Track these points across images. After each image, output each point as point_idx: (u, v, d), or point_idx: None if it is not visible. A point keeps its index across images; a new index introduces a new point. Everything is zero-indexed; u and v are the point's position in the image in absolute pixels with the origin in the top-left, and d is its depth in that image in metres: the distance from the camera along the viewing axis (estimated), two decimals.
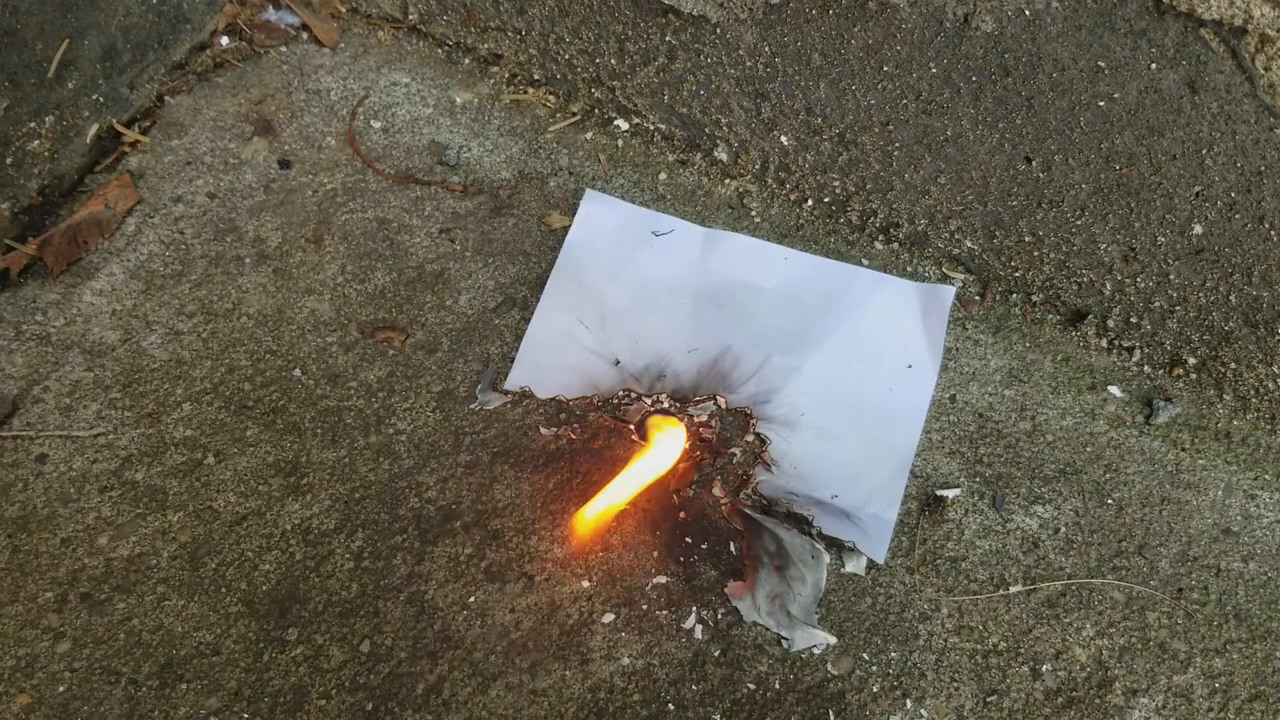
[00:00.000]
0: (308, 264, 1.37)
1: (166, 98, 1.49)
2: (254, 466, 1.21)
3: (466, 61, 1.57)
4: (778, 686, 1.11)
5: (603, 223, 1.41)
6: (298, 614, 1.13)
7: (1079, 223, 1.28)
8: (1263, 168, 1.13)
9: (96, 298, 1.31)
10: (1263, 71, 1.06)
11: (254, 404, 1.26)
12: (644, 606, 1.15)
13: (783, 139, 1.40)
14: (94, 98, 1.41)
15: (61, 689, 1.07)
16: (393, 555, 1.17)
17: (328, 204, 1.42)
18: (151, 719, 1.06)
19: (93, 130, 1.41)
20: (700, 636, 1.13)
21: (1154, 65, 1.11)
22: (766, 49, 1.31)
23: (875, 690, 1.12)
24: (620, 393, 1.29)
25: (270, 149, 1.46)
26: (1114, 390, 1.32)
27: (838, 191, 1.42)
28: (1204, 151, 1.15)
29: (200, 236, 1.37)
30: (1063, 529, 1.22)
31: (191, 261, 1.35)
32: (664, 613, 1.15)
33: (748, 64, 1.34)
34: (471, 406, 1.27)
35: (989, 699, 1.12)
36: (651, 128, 1.50)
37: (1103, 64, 1.13)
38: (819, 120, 1.35)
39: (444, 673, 1.10)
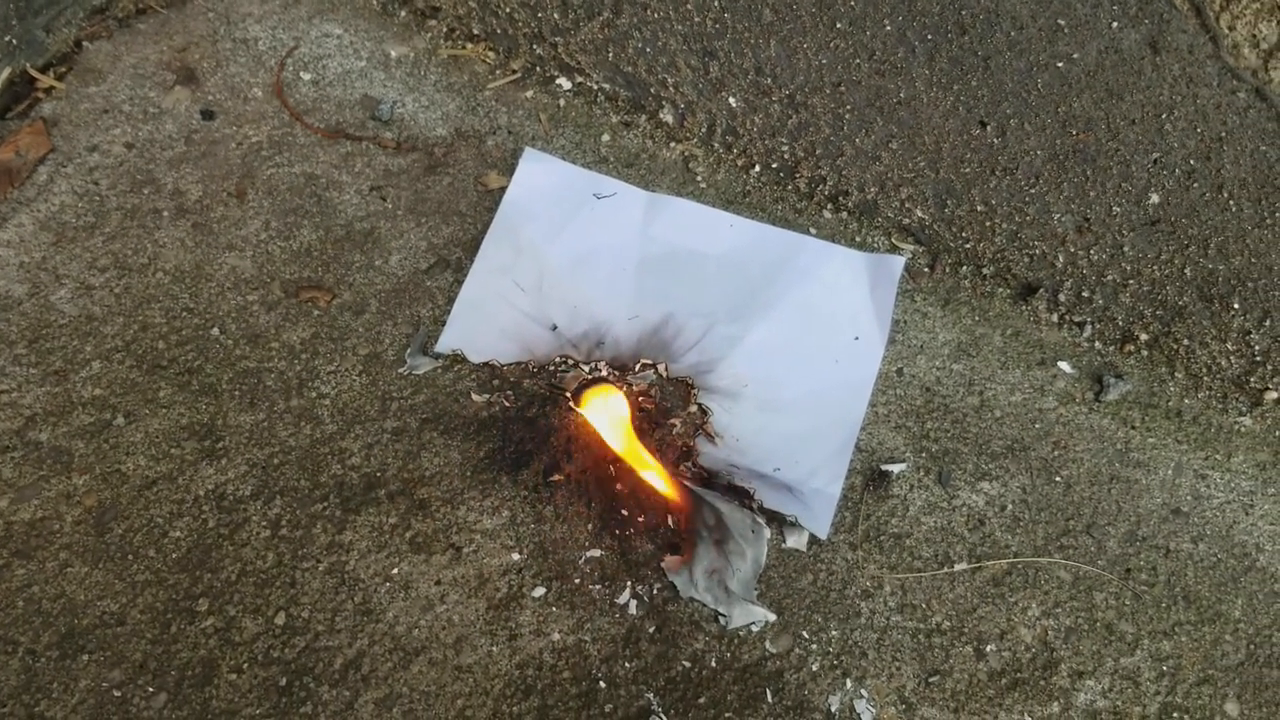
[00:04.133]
0: (229, 219, 1.30)
1: (85, 43, 1.42)
2: (166, 429, 1.15)
3: (403, 14, 1.51)
4: (714, 664, 1.07)
5: (542, 183, 1.35)
6: (209, 583, 1.07)
7: (1033, 191, 1.24)
8: (1223, 134, 1.10)
9: (3, 249, 1.24)
10: (1227, 31, 1.03)
11: (168, 363, 1.19)
12: (577, 580, 1.11)
13: (731, 100, 1.35)
14: (6, 39, 1.34)
15: None
16: (312, 524, 1.11)
17: (252, 157, 1.35)
18: (50, 691, 1.01)
19: (4, 74, 1.34)
20: (635, 612, 1.10)
21: (1115, 24, 1.07)
22: (715, 3, 1.27)
23: (815, 669, 1.08)
24: (557, 359, 1.24)
25: (193, 99, 1.39)
26: (1064, 366, 1.29)
27: (786, 157, 1.37)
28: (1164, 116, 1.11)
29: (116, 188, 1.31)
30: (1009, 506, 1.19)
31: (106, 214, 1.28)
32: (597, 587, 1.10)
33: (696, 19, 1.29)
34: (400, 370, 1.21)
35: (931, 679, 1.09)
36: (595, 87, 1.45)
37: (1062, 21, 1.10)
38: (768, 80, 1.31)
39: (364, 647, 1.05)
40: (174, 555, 1.09)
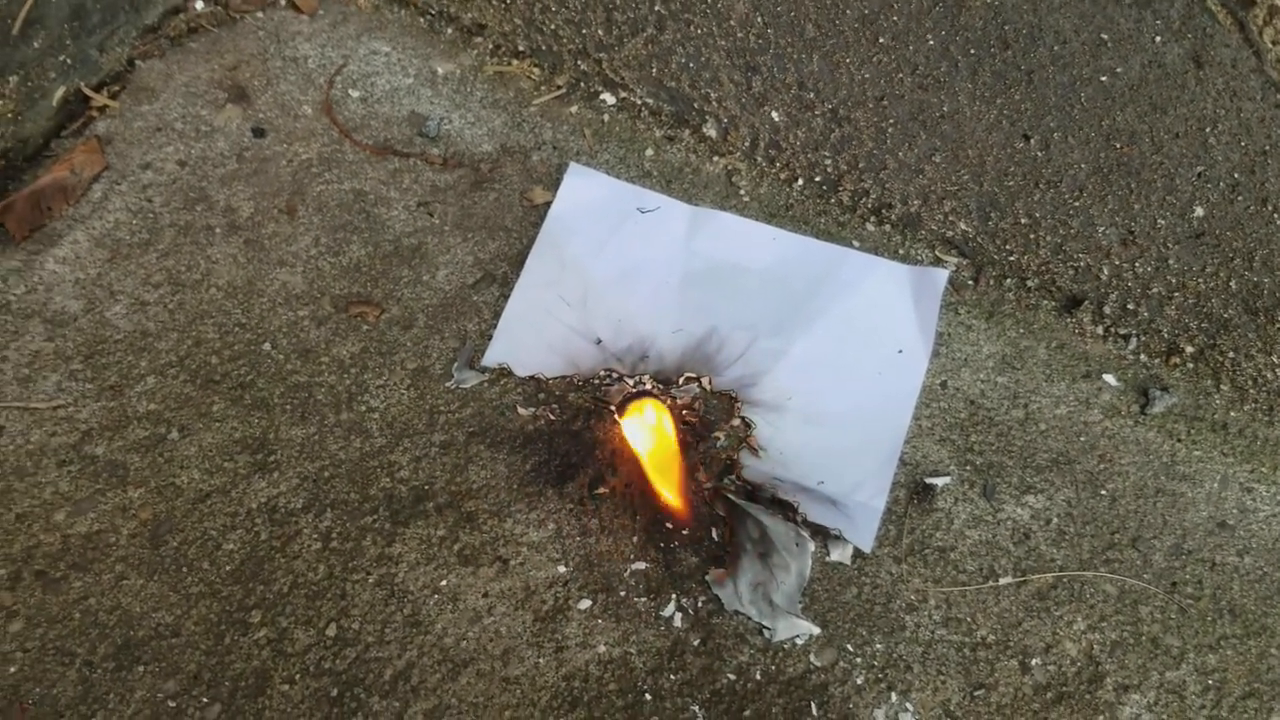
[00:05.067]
0: (280, 235, 1.32)
1: (137, 61, 1.44)
2: (220, 442, 1.17)
3: (449, 31, 1.53)
4: (759, 677, 1.08)
5: (587, 197, 1.37)
6: (262, 595, 1.09)
7: (1077, 204, 1.24)
8: (1267, 147, 1.09)
9: (59, 266, 1.27)
10: (1270, 45, 1.02)
11: (221, 378, 1.21)
12: (622, 593, 1.11)
13: (773, 115, 1.36)
14: (61, 59, 1.36)
15: (12, 670, 1.03)
16: (362, 536, 1.13)
17: (302, 174, 1.37)
18: (106, 702, 1.03)
19: (59, 93, 1.37)
20: (680, 625, 1.10)
21: (1158, 38, 1.07)
22: (759, 19, 1.27)
23: (859, 683, 1.08)
24: (601, 373, 1.25)
25: (244, 117, 1.41)
26: (1109, 379, 1.29)
27: (829, 170, 1.38)
28: (1208, 130, 1.11)
29: (169, 205, 1.33)
30: (1055, 520, 1.19)
31: (159, 230, 1.31)
32: (642, 600, 1.11)
33: (739, 35, 1.30)
34: (447, 384, 1.23)
35: (976, 693, 1.09)
36: (639, 102, 1.46)
37: (1106, 36, 1.10)
38: (811, 95, 1.31)
39: (413, 658, 1.07)
40: (227, 567, 1.10)
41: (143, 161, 1.36)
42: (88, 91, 1.39)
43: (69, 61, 1.37)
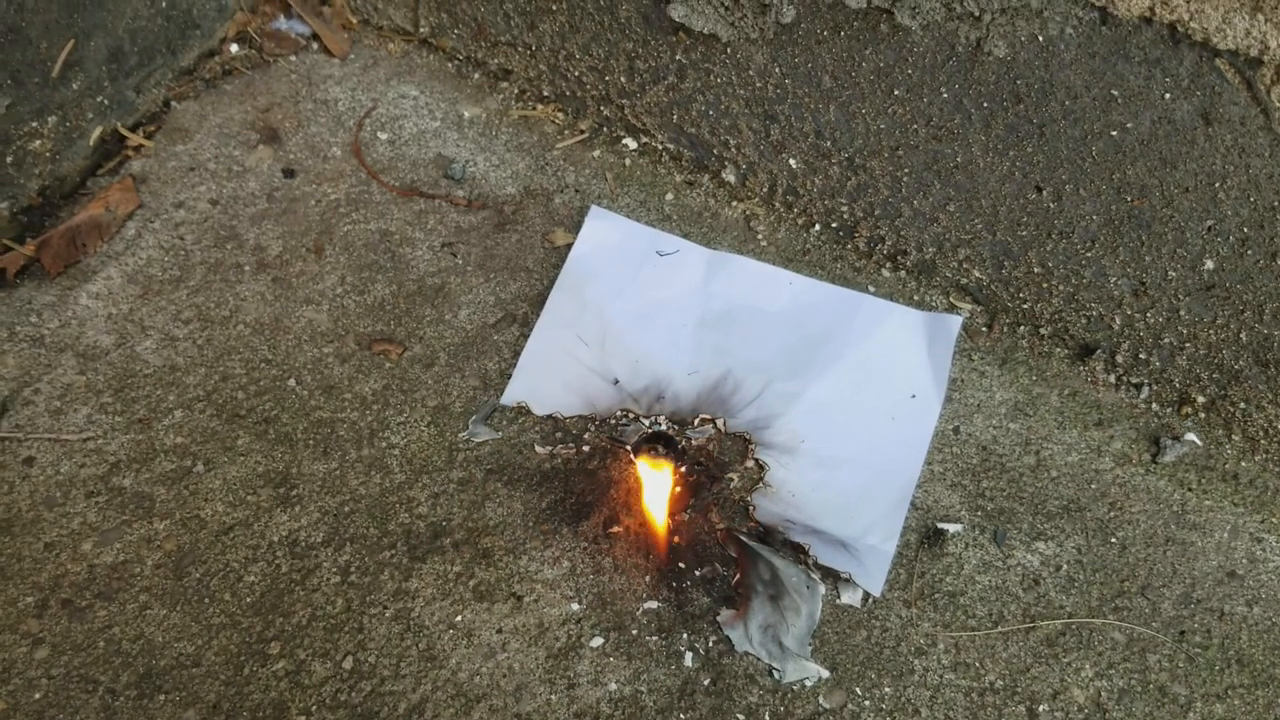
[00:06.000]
0: (307, 274, 1.35)
1: (173, 103, 1.48)
2: (243, 476, 1.20)
3: (476, 76, 1.56)
4: (768, 718, 1.09)
5: (607, 240, 1.39)
6: (281, 627, 1.11)
7: (1089, 255, 1.26)
8: (1276, 203, 1.11)
9: (92, 301, 1.30)
10: (1278, 104, 1.04)
11: (247, 413, 1.24)
12: (634, 632, 1.13)
13: (791, 162, 1.38)
14: (99, 100, 1.40)
15: (37, 696, 1.05)
16: (380, 571, 1.15)
17: (330, 214, 1.40)
18: None
19: (96, 132, 1.40)
20: (690, 664, 1.11)
21: (1168, 95, 1.09)
22: (777, 70, 1.30)
23: None
24: (618, 413, 1.27)
25: (275, 157, 1.45)
26: (1121, 427, 1.30)
27: (845, 217, 1.40)
28: (1217, 185, 1.13)
29: (200, 243, 1.36)
30: (1064, 567, 1.20)
31: (190, 268, 1.34)
32: (654, 639, 1.13)
33: (757, 85, 1.33)
34: (461, 435, 1.25)
35: None
36: (660, 147, 1.49)
37: (1116, 93, 1.12)
38: (828, 144, 1.34)
39: (427, 692, 1.08)
40: (248, 599, 1.13)
41: (176, 200, 1.39)
42: (124, 132, 1.43)
43: (106, 102, 1.41)
